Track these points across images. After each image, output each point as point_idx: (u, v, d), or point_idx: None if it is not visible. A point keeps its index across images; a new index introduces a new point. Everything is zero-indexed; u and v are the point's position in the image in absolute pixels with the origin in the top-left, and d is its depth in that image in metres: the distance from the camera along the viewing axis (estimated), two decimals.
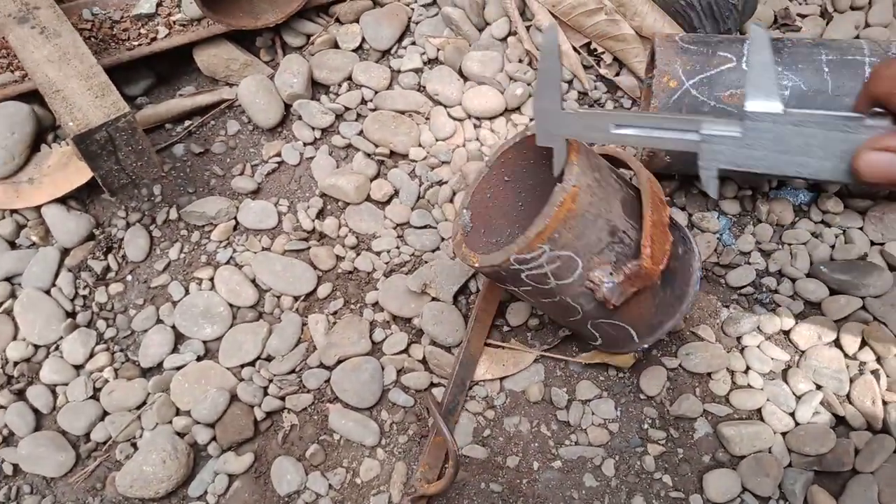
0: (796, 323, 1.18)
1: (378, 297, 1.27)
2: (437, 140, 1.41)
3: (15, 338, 1.26)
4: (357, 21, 1.53)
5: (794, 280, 1.22)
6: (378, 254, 1.32)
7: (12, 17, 1.27)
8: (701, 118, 0.77)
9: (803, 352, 1.16)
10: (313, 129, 1.44)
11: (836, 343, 1.16)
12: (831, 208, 1.26)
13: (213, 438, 1.18)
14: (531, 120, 1.41)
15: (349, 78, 1.48)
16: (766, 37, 0.71)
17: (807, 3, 1.54)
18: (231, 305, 1.28)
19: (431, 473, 1.10)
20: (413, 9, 1.55)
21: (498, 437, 1.15)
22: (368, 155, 1.41)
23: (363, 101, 1.46)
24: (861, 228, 1.25)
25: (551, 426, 1.15)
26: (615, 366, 1.16)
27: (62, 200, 1.35)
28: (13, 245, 1.34)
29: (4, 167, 1.31)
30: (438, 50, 1.49)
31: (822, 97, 1.11)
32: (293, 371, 1.23)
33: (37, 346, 1.26)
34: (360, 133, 1.43)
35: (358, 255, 1.32)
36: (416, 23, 1.53)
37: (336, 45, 1.52)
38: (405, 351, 1.23)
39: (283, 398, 1.20)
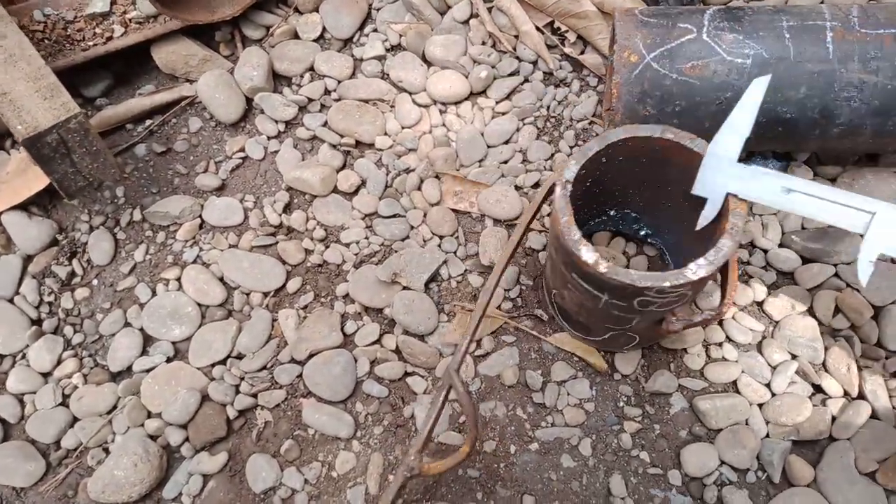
0: (769, 294, 1.17)
1: (348, 288, 1.25)
2: (402, 128, 1.40)
3: None
4: (317, 10, 1.50)
5: (765, 251, 1.21)
6: (347, 245, 1.30)
7: None
8: (877, 201, 0.79)
9: (777, 322, 1.15)
10: (276, 122, 1.41)
11: (810, 312, 1.15)
12: (801, 176, 1.25)
13: (186, 439, 1.16)
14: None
15: (311, 68, 1.46)
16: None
17: None
18: (199, 305, 1.26)
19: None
20: None
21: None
22: (334, 146, 1.39)
23: (326, 92, 1.44)
24: None
25: (527, 409, 1.13)
26: (588, 363, 1.14)
27: (23, 207, 1.33)
28: None
29: None
30: (401, 36, 1.47)
31: (785, 63, 1.10)
32: (264, 368, 1.21)
33: (2, 356, 1.24)
34: (325, 124, 1.40)
35: (327, 247, 1.30)
36: (377, 9, 1.51)
37: (296, 36, 1.49)
38: (378, 342, 1.22)
39: (255, 395, 1.19)
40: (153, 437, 1.17)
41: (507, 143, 1.36)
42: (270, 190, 1.37)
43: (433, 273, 1.24)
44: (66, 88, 1.16)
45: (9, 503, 1.14)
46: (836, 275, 1.17)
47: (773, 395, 1.10)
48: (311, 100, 1.43)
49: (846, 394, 1.09)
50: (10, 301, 1.27)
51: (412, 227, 1.30)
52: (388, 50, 1.47)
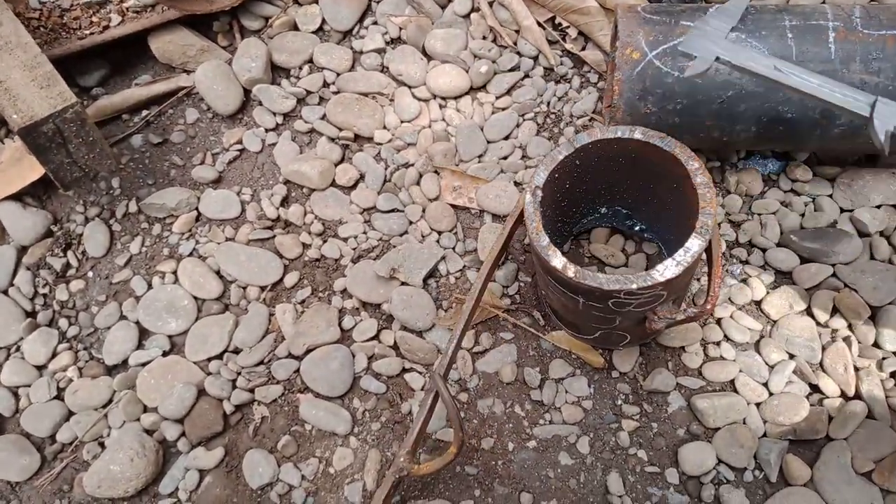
0: (767, 293, 1.17)
1: (346, 283, 1.24)
2: (402, 122, 1.39)
3: None
4: (316, 2, 1.49)
5: (764, 250, 1.21)
6: (345, 240, 1.30)
7: None
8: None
9: (775, 321, 1.15)
10: (274, 114, 1.40)
11: (808, 311, 1.16)
12: (800, 176, 1.25)
13: (183, 434, 1.16)
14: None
15: (310, 60, 1.44)
16: None
17: None
18: (195, 298, 1.25)
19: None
20: None
21: (472, 420, 1.13)
22: (332, 139, 1.38)
23: (325, 84, 1.43)
24: (830, 196, 1.24)
25: (525, 406, 1.13)
26: (585, 360, 1.14)
27: (17, 197, 1.31)
28: None
29: None
30: (401, 29, 1.45)
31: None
32: (261, 362, 1.20)
33: None
34: (323, 117, 1.39)
35: (324, 241, 1.29)
36: (377, 2, 1.49)
37: (295, 27, 1.48)
38: (375, 337, 1.21)
39: (252, 390, 1.18)
40: (149, 432, 1.16)
41: (506, 138, 1.35)
42: (268, 183, 1.36)
43: (431, 269, 1.23)
44: (61, 77, 1.15)
45: (4, 497, 1.13)
46: (835, 275, 1.17)
47: (771, 394, 1.10)
48: (309, 92, 1.41)
49: (843, 394, 1.09)
50: (5, 293, 1.26)
51: (411, 223, 1.30)
52: (387, 43, 1.46)
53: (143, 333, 1.24)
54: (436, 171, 1.33)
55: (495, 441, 1.11)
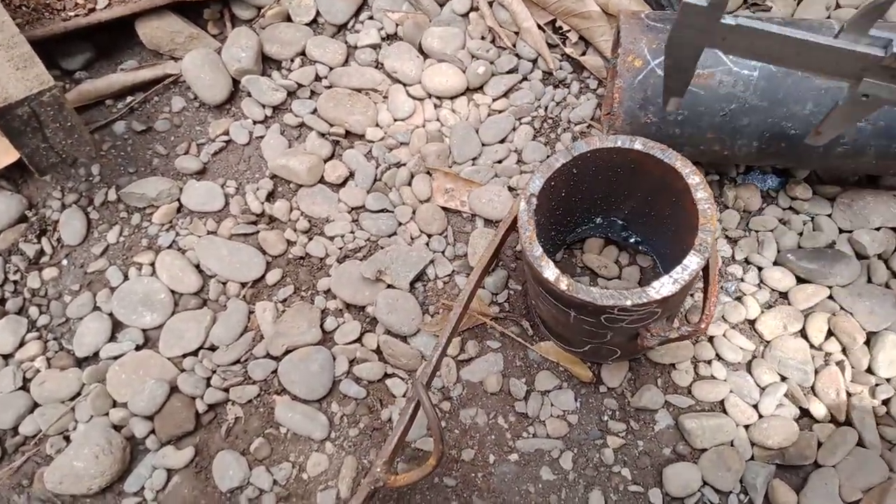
0: (762, 312, 1.14)
1: (330, 283, 1.20)
2: (395, 120, 1.35)
3: None
4: None
5: (760, 268, 1.18)
6: (331, 238, 1.26)
7: None
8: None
9: (768, 342, 1.13)
10: (264, 106, 1.36)
11: (802, 333, 1.13)
12: (800, 195, 1.22)
13: (152, 431, 1.12)
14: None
15: (302, 53, 1.40)
16: None
17: None
18: (173, 292, 1.21)
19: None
20: None
21: (454, 430, 1.10)
22: (322, 135, 1.34)
23: (317, 78, 1.39)
24: (829, 215, 1.21)
25: (509, 418, 1.10)
26: (573, 373, 1.11)
27: None
28: None
29: None
30: (397, 25, 1.42)
31: (792, 78, 1.06)
32: (238, 361, 1.16)
33: None
34: (314, 112, 1.35)
35: (310, 239, 1.26)
36: None
37: (288, 18, 1.44)
38: (358, 340, 1.17)
39: (226, 390, 1.14)
40: (117, 428, 1.12)
41: (502, 141, 1.32)
42: (254, 176, 1.32)
43: (419, 272, 1.20)
44: (43, 60, 1.10)
45: None
46: (831, 297, 1.14)
47: (761, 416, 1.07)
48: (300, 85, 1.38)
49: (834, 419, 1.07)
50: None
51: (400, 224, 1.26)
52: (383, 39, 1.42)
53: (117, 326, 1.20)
54: (428, 172, 1.30)
55: (476, 452, 1.08)
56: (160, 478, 1.09)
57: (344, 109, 1.33)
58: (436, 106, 1.37)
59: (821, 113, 1.07)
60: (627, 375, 1.11)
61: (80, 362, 1.18)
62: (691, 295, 1.16)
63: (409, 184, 1.29)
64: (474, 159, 1.31)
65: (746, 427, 1.07)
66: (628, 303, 0.84)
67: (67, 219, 1.26)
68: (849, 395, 1.08)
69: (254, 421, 1.12)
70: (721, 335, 1.13)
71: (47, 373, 1.16)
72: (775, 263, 1.19)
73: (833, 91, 1.06)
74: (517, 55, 1.38)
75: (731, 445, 1.05)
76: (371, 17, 1.44)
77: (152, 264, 1.23)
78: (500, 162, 1.30)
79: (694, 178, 0.91)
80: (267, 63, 1.41)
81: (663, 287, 0.85)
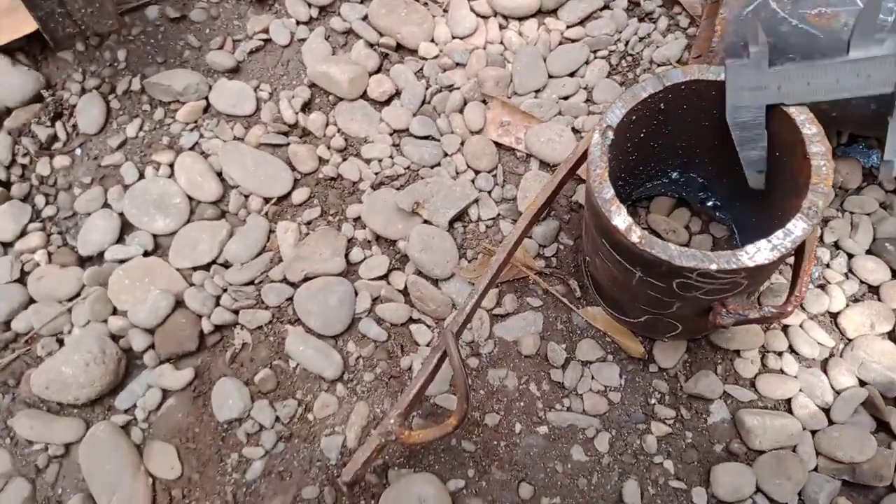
0: (847, 305, 0.99)
1: (361, 211, 1.08)
2: (453, 37, 1.20)
3: None
4: None
5: (851, 255, 1.03)
6: (368, 161, 1.13)
7: None
8: None
9: (850, 340, 0.98)
10: (310, 5, 1.23)
11: (891, 336, 0.98)
12: None
13: (151, 346, 1.03)
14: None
15: None
16: None
17: None
18: (190, 198, 1.11)
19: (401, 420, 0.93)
20: None
21: (479, 391, 0.98)
22: (371, 45, 1.20)
23: None
24: None
25: (542, 385, 0.98)
26: (621, 345, 0.98)
27: (7, 51, 1.16)
28: None
29: None
30: None
31: None
32: (252, 282, 1.06)
33: None
34: (365, 18, 1.21)
35: (344, 159, 1.13)
36: None
37: None
38: (385, 277, 1.06)
39: (236, 312, 1.04)
40: (115, 338, 1.03)
41: (571, 75, 1.16)
42: (291, 82, 1.19)
43: (461, 211, 1.07)
44: None
45: None
46: None
47: (832, 423, 0.94)
48: None
49: None
50: None
51: (446, 155, 1.12)
52: None
53: (126, 227, 1.10)
54: (483, 101, 1.15)
55: (501, 419, 0.96)
56: (154, 397, 1.00)
57: (397, 18, 1.18)
58: (501, 26, 1.21)
59: None
60: (684, 357, 0.98)
61: (83, 261, 1.09)
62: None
63: (461, 111, 1.15)
64: (537, 91, 1.16)
65: (814, 433, 0.93)
66: (713, 266, 0.70)
67: (86, 104, 1.15)
68: None
69: (262, 350, 1.02)
70: (798, 325, 0.98)
71: (47, 268, 1.07)
72: (869, 252, 1.03)
73: None
74: None
75: (794, 451, 0.92)
76: None
77: (171, 165, 1.12)
78: (566, 98, 1.15)
79: (811, 127, 0.76)
80: None
81: (758, 253, 0.70)
